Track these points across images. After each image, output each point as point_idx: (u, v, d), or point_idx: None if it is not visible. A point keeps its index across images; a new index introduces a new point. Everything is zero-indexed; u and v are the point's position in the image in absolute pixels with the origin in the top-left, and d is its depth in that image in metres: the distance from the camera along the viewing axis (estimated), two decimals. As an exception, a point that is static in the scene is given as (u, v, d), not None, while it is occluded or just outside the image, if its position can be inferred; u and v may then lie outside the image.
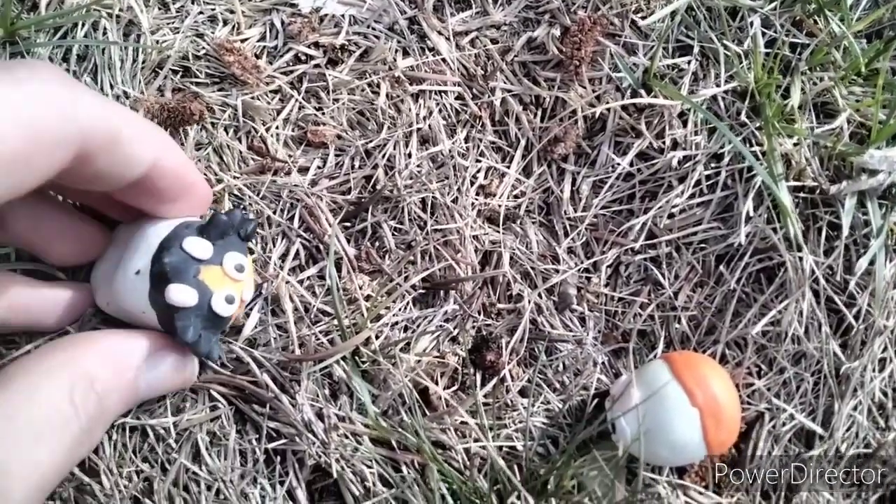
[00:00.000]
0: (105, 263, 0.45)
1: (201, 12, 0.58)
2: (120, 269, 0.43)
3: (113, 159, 0.38)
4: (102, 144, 0.36)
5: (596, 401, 0.54)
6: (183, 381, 0.45)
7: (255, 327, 0.51)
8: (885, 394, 0.55)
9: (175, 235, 0.42)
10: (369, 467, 0.49)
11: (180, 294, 0.40)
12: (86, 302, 0.45)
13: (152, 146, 0.40)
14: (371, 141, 0.57)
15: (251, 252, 0.49)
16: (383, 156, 0.57)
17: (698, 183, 0.58)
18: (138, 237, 0.43)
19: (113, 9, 0.55)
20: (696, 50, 0.61)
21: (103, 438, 0.47)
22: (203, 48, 0.57)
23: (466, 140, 0.59)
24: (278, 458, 0.49)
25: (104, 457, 0.47)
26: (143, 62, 0.55)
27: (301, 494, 0.49)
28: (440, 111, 0.59)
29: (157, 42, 0.55)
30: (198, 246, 0.42)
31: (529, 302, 0.55)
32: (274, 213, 0.54)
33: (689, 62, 0.61)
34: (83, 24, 0.55)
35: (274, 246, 0.54)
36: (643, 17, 0.62)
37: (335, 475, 0.49)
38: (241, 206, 0.51)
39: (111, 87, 0.53)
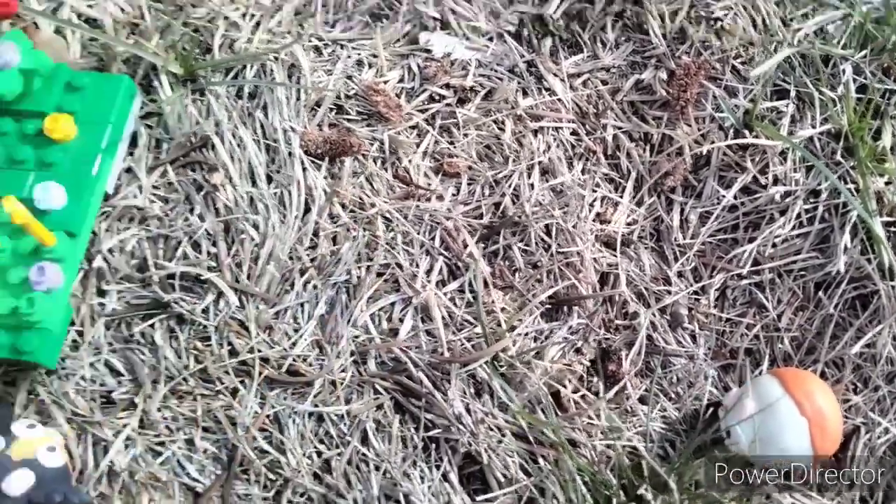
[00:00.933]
0: None
1: (349, 56, 0.80)
2: None
3: None
4: None
5: (710, 410, 0.75)
6: None
7: (409, 332, 0.72)
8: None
9: None
10: (511, 458, 0.70)
11: (17, 484, 0.51)
12: None
13: None
14: (499, 172, 0.79)
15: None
16: (509, 185, 0.79)
17: (798, 216, 0.79)
18: None
19: (279, 53, 0.77)
20: (792, 94, 0.83)
21: (288, 422, 0.68)
22: (353, 88, 0.79)
23: (583, 172, 0.81)
24: (433, 445, 0.69)
25: (289, 438, 0.68)
26: (305, 101, 0.77)
27: (454, 478, 0.69)
28: (557, 146, 0.81)
29: (315, 84, 0.78)
30: None
31: (645, 319, 0.77)
32: (418, 233, 0.76)
33: (787, 105, 0.83)
34: (252, 66, 0.78)
35: (419, 264, 0.75)
36: (743, 63, 0.84)
37: (483, 463, 0.69)
38: None
39: (279, 121, 0.76)
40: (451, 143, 0.77)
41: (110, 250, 0.65)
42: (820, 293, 0.76)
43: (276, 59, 0.75)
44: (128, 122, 0.69)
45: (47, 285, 0.60)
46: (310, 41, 0.77)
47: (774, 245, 0.76)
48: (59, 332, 0.60)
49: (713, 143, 0.78)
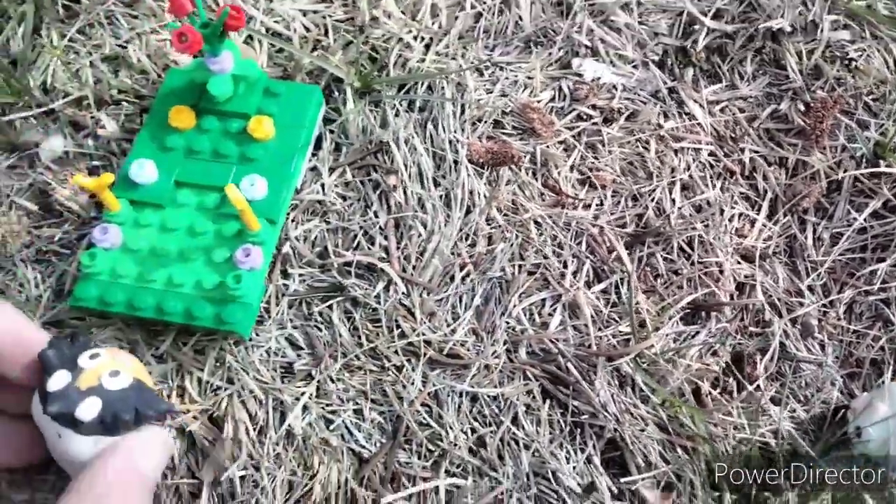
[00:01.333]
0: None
1: (507, 77, 0.87)
2: (50, 443, 0.53)
3: None
4: None
5: (839, 414, 0.78)
6: (170, 446, 0.58)
7: (558, 326, 0.77)
8: None
9: (40, 391, 0.52)
10: (652, 445, 0.74)
11: (88, 410, 0.51)
12: (41, 449, 0.54)
13: None
14: (642, 186, 0.84)
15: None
16: (652, 199, 0.83)
17: (927, 239, 0.83)
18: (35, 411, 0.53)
19: (451, 74, 0.84)
20: (922, 127, 0.87)
21: (447, 399, 0.73)
22: (509, 106, 0.85)
23: (721, 190, 0.85)
24: (578, 430, 0.74)
25: (448, 413, 0.73)
26: (469, 116, 0.83)
27: (597, 460, 0.73)
28: (697, 165, 0.86)
29: (478, 101, 0.84)
30: (60, 379, 0.52)
31: (779, 328, 0.81)
32: (566, 238, 0.81)
33: None
34: (423, 83, 0.84)
35: (568, 265, 0.80)
36: (875, 100, 0.88)
37: (625, 448, 0.73)
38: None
39: (446, 133, 0.82)
40: (597, 158, 0.81)
41: (297, 238, 0.72)
42: (945, 311, 0.77)
43: (446, 77, 0.80)
44: (316, 126, 0.75)
45: (250, 265, 0.67)
46: (473, 63, 0.83)
47: (903, 265, 0.78)
48: (256, 307, 0.66)
49: (846, 170, 0.81)
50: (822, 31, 0.88)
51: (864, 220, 0.81)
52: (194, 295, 0.63)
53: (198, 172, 0.67)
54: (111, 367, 0.53)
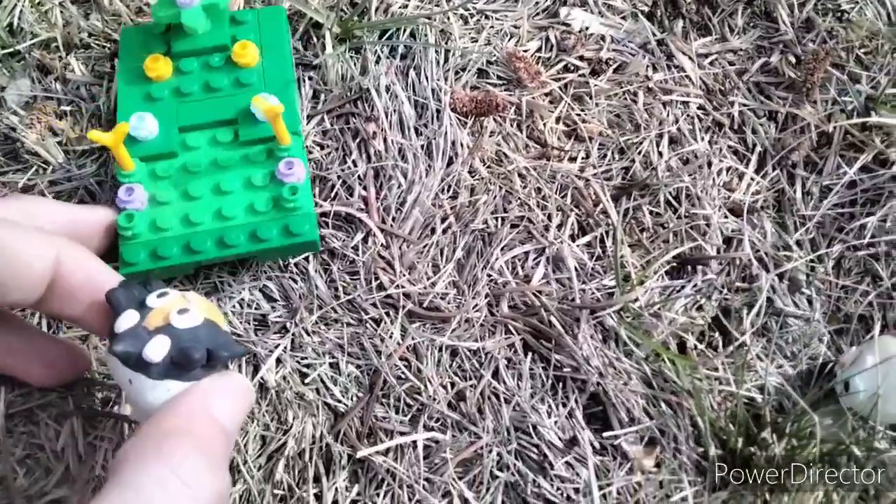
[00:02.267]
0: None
1: (492, 26, 0.81)
2: (124, 393, 0.52)
3: (8, 280, 0.44)
4: None
5: (826, 369, 0.73)
6: (250, 394, 0.49)
7: (541, 279, 0.72)
8: None
9: (109, 333, 0.47)
10: (635, 399, 0.69)
11: (157, 350, 0.45)
12: (78, 367, 0.53)
13: (47, 251, 0.46)
14: (629, 139, 0.79)
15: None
16: (639, 152, 0.78)
17: (917, 193, 0.78)
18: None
19: (433, 18, 0.78)
20: (914, 81, 0.81)
21: (426, 353, 0.68)
22: (495, 55, 0.80)
23: (710, 143, 0.80)
24: (560, 384, 0.69)
25: (427, 367, 0.68)
26: (453, 64, 0.78)
27: (579, 414, 0.68)
28: (685, 118, 0.81)
29: (463, 48, 0.79)
30: (128, 318, 0.46)
31: (766, 282, 0.76)
32: (551, 190, 0.75)
33: None
34: (405, 30, 0.79)
35: (552, 218, 0.75)
36: (867, 53, 0.83)
37: (607, 402, 0.69)
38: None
39: (427, 80, 0.76)
40: (583, 110, 0.76)
41: (272, 186, 0.66)
42: (936, 266, 0.73)
43: (429, 23, 0.75)
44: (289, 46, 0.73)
45: (297, 176, 0.64)
46: (458, 10, 0.77)
47: (892, 220, 0.74)
48: (315, 217, 0.63)
49: (837, 122, 0.76)
50: (814, -18, 0.82)
51: (854, 173, 0.76)
52: (252, 220, 0.61)
53: (198, 112, 0.65)
54: (180, 305, 0.47)
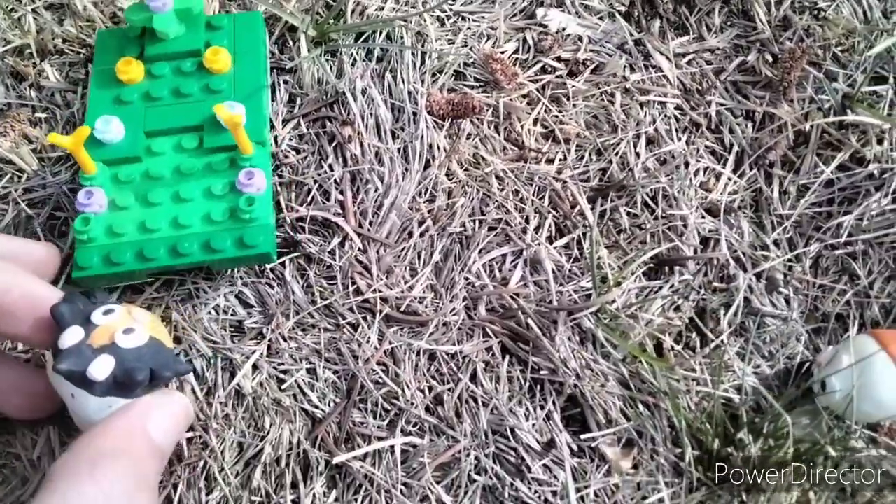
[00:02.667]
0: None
1: (469, 28, 0.80)
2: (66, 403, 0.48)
3: None
4: None
5: (803, 368, 0.73)
6: (188, 414, 0.51)
7: (519, 282, 0.72)
8: None
9: (53, 348, 0.47)
10: (612, 401, 0.69)
11: (100, 370, 0.45)
12: (57, 400, 0.49)
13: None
14: (607, 140, 0.78)
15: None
16: (616, 153, 0.78)
17: (894, 192, 0.77)
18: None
19: (408, 20, 0.77)
20: (891, 80, 0.81)
21: (404, 358, 0.67)
22: (472, 57, 0.79)
23: (687, 143, 0.79)
24: (538, 386, 0.69)
25: (405, 372, 0.67)
26: (429, 67, 0.77)
27: (556, 417, 0.68)
28: (663, 118, 0.80)
29: (440, 50, 0.78)
30: (72, 335, 0.46)
31: (743, 282, 0.75)
32: (528, 192, 0.75)
33: (886, 90, 0.81)
34: (381, 32, 0.78)
35: (530, 220, 0.74)
36: (843, 51, 0.82)
37: (585, 404, 0.68)
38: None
39: (404, 82, 0.76)
40: (561, 111, 0.76)
41: (248, 191, 0.65)
42: (911, 264, 0.72)
43: (405, 26, 0.74)
44: (265, 52, 0.73)
45: (256, 186, 0.63)
46: (434, 12, 0.76)
47: (868, 218, 0.73)
48: (273, 228, 0.61)
49: (814, 121, 0.76)
50: (791, -19, 0.81)
51: (832, 172, 0.75)
52: (207, 230, 0.59)
53: (166, 118, 0.63)
54: (126, 323, 0.47)
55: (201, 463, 0.61)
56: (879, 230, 0.75)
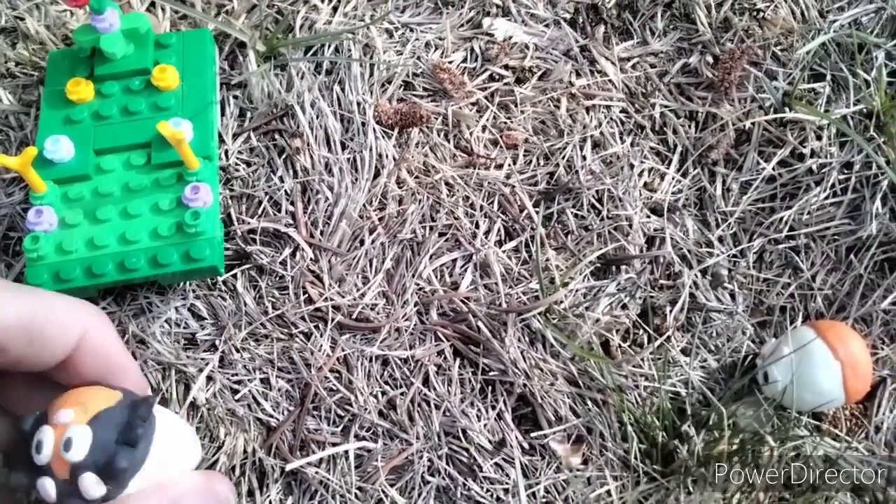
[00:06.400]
0: None
1: (417, 39, 0.78)
2: None
3: (31, 349, 0.36)
4: (17, 335, 0.35)
5: (748, 361, 0.71)
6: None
7: (469, 286, 0.69)
8: None
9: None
10: (562, 399, 0.67)
11: (91, 490, 0.36)
12: None
13: (77, 325, 0.38)
14: (553, 144, 0.76)
15: None
16: (563, 157, 0.75)
17: (832, 186, 0.75)
18: None
19: (356, 33, 0.75)
20: (828, 78, 0.79)
21: (356, 364, 0.65)
22: (420, 67, 0.77)
23: (632, 145, 0.77)
24: (489, 387, 0.67)
25: (357, 378, 0.65)
26: (378, 78, 0.75)
27: (508, 417, 0.66)
28: (608, 122, 0.78)
29: (387, 62, 0.76)
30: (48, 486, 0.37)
31: (688, 278, 0.73)
32: (478, 198, 0.73)
33: (823, 87, 0.79)
34: (330, 45, 0.75)
35: (479, 225, 0.72)
36: (783, 50, 0.80)
37: (535, 403, 0.66)
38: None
39: (354, 95, 0.73)
40: (509, 118, 0.73)
41: (199, 206, 0.63)
42: (851, 256, 0.72)
43: (353, 38, 0.72)
44: (215, 68, 0.71)
45: (202, 200, 0.61)
46: (383, 24, 0.74)
47: (809, 213, 0.72)
48: (221, 242, 0.60)
49: (754, 119, 0.74)
50: (730, -17, 0.79)
51: (773, 168, 0.74)
52: (155, 245, 0.58)
53: (114, 136, 0.62)
54: (62, 435, 0.36)
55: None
56: (821, 223, 0.73)
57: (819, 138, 0.75)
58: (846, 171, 0.74)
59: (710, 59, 0.79)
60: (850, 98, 0.77)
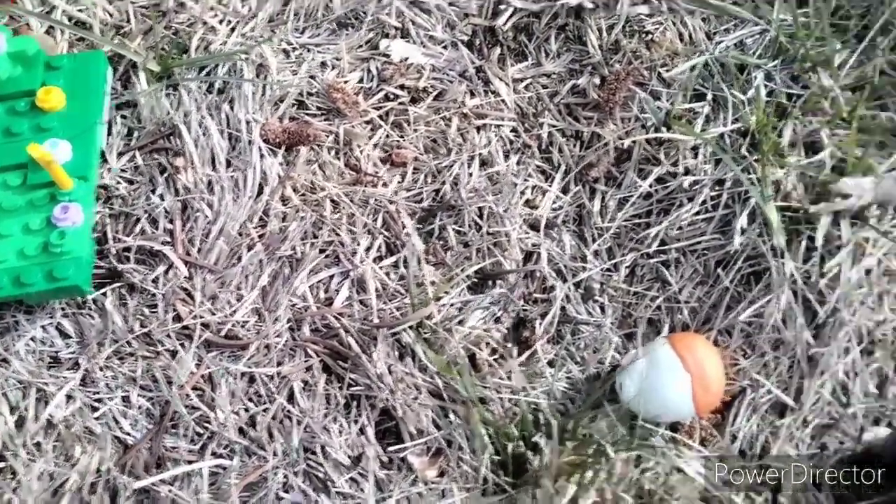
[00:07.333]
0: None
1: (314, 59, 0.61)
2: None
3: None
4: None
5: (610, 371, 0.55)
6: None
7: (344, 301, 0.53)
8: (847, 375, 0.54)
9: None
10: (425, 412, 0.51)
11: None
12: None
13: None
14: (442, 162, 0.59)
15: None
16: (450, 174, 0.59)
17: (704, 202, 0.59)
18: None
19: (248, 53, 0.58)
20: (709, 97, 0.61)
21: (220, 381, 0.49)
22: (315, 87, 0.59)
23: (518, 163, 0.60)
24: (355, 402, 0.51)
25: (220, 395, 0.49)
26: (269, 97, 0.58)
27: (370, 431, 0.51)
28: (497, 140, 0.61)
29: (280, 81, 0.58)
30: None
31: (560, 292, 0.56)
32: (363, 215, 0.56)
33: (703, 107, 0.61)
34: (224, 65, 0.58)
35: (360, 242, 0.55)
36: (668, 71, 0.62)
37: (398, 418, 0.50)
38: None
39: (244, 114, 0.56)
40: (402, 136, 0.57)
41: (73, 225, 0.47)
42: (719, 270, 0.56)
43: (247, 58, 0.56)
44: (106, 89, 0.55)
45: (72, 220, 0.49)
46: (279, 44, 0.57)
47: (681, 228, 0.56)
48: (89, 261, 0.49)
49: (633, 138, 0.56)
50: (621, 6, 0.63)
51: (650, 185, 0.56)
52: (20, 265, 0.47)
53: None
54: None
55: (7, 493, 0.42)
56: (692, 238, 0.57)
57: (696, 156, 0.58)
58: (718, 188, 0.57)
59: (597, 80, 0.62)
60: (728, 117, 0.58)
